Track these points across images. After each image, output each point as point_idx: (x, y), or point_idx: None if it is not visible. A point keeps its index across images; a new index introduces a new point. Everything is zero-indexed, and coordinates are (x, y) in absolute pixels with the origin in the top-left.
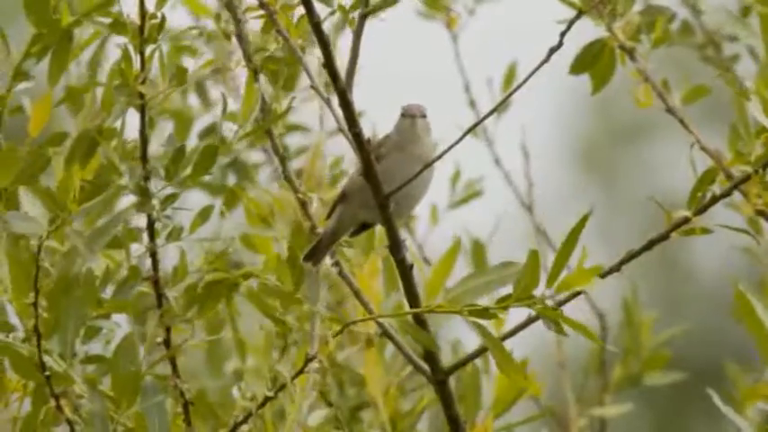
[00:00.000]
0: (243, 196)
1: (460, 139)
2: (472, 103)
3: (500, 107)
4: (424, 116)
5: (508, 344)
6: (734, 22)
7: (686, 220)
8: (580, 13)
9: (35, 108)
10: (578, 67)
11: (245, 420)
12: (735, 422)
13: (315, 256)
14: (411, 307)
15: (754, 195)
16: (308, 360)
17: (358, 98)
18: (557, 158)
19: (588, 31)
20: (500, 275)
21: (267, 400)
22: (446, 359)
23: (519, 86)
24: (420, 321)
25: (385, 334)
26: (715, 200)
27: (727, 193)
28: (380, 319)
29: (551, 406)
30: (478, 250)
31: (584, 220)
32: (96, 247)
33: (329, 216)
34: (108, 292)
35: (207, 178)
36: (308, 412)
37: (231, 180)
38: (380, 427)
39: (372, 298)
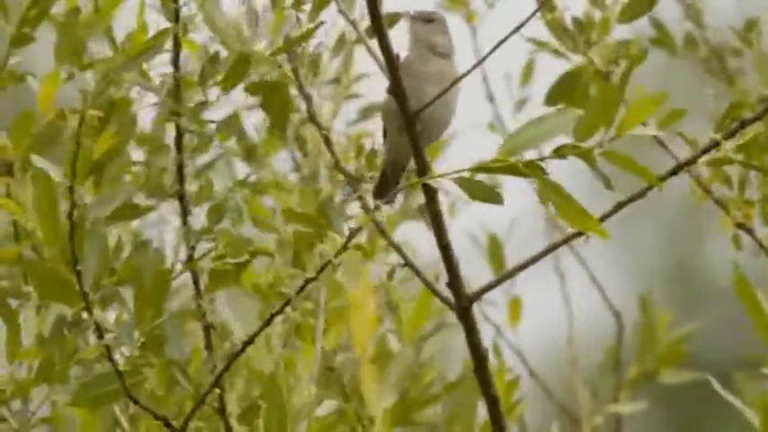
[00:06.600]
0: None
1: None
2: (490, 97)
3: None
4: (429, 20)
5: (519, 343)
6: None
7: (715, 144)
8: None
9: (43, 84)
10: (554, 97)
11: (282, 308)
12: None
13: (382, 191)
14: (435, 230)
15: (733, 208)
16: (352, 234)
17: (374, 91)
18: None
19: None
20: (558, 122)
21: (308, 282)
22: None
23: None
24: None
25: (407, 264)
26: (744, 124)
27: (759, 117)
28: (404, 252)
29: (564, 404)
30: (495, 246)
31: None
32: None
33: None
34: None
35: None
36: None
37: None
38: None
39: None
